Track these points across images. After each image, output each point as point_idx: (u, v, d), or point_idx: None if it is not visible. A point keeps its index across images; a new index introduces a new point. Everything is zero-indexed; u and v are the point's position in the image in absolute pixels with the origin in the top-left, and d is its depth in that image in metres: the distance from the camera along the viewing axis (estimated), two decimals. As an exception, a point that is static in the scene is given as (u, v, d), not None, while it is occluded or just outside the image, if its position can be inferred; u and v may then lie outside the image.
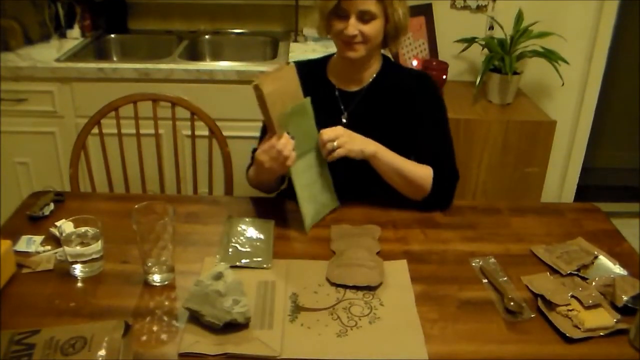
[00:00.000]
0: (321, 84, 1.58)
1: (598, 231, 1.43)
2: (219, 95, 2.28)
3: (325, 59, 1.62)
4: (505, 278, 1.23)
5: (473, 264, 1.28)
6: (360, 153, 1.40)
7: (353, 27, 1.41)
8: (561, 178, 2.84)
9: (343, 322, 1.10)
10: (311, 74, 1.59)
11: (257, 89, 1.26)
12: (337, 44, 1.50)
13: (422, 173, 1.48)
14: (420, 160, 1.55)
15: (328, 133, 1.38)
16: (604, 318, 1.11)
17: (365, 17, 1.41)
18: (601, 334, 1.08)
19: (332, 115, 1.56)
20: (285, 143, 1.31)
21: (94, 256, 1.20)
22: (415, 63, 2.61)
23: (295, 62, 1.67)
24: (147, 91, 1.90)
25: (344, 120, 1.55)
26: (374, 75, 1.55)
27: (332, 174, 1.53)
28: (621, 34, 3.10)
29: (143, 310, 1.12)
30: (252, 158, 1.60)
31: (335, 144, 1.37)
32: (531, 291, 1.19)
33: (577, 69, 2.62)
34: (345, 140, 1.38)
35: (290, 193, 1.67)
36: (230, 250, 1.30)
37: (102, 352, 0.91)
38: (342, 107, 1.56)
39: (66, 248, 1.20)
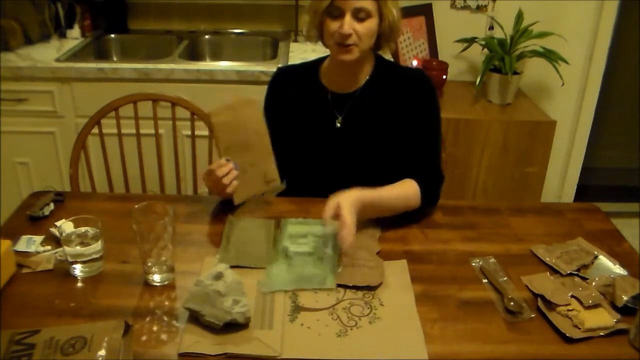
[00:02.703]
0: (313, 88, 1.56)
1: (598, 231, 1.43)
2: (219, 95, 2.28)
3: (318, 62, 1.59)
4: (505, 278, 1.23)
5: (473, 264, 1.28)
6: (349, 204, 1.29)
7: (348, 25, 1.37)
8: (561, 178, 2.84)
9: (343, 322, 1.10)
10: (302, 79, 1.58)
11: (208, 118, 1.35)
12: (330, 46, 1.46)
13: (410, 194, 1.42)
14: (408, 161, 1.51)
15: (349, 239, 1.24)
16: (604, 318, 1.11)
17: (360, 14, 1.38)
18: (601, 334, 1.08)
19: (325, 120, 1.55)
20: (224, 170, 1.34)
21: (94, 256, 1.20)
22: (415, 63, 2.61)
23: (284, 66, 1.67)
24: (147, 91, 1.90)
25: (338, 125, 1.54)
26: (368, 76, 1.53)
27: (338, 175, 1.52)
28: (621, 34, 3.10)
29: (143, 310, 1.12)
30: None
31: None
32: (531, 291, 1.19)
33: (577, 69, 2.62)
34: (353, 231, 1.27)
35: (289, 193, 1.67)
36: (230, 250, 1.30)
37: (102, 352, 0.91)
38: (335, 111, 1.54)
39: (66, 248, 1.20)
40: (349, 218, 1.23)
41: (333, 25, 1.40)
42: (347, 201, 1.26)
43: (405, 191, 1.43)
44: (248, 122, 1.36)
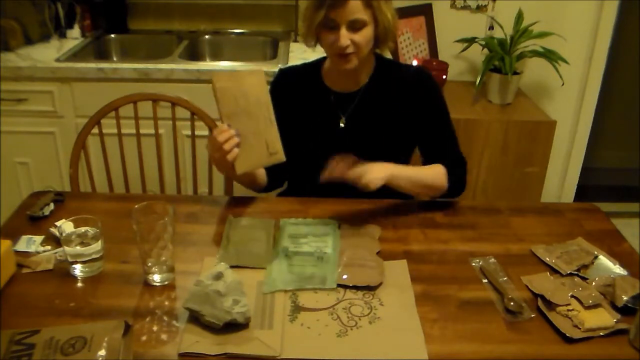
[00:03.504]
0: (316, 88, 1.56)
1: (598, 231, 1.43)
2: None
3: (319, 62, 1.59)
4: (505, 278, 1.23)
5: (473, 264, 1.28)
6: (381, 180, 1.36)
7: (345, 37, 1.37)
8: (561, 178, 2.84)
9: (343, 322, 1.10)
10: (305, 80, 1.58)
11: (213, 82, 1.31)
12: (329, 54, 1.47)
13: (437, 174, 1.49)
14: (429, 153, 1.55)
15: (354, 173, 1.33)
16: (604, 318, 1.11)
17: (356, 25, 1.38)
18: (601, 334, 1.08)
19: (329, 120, 1.55)
20: (225, 136, 1.28)
21: (94, 256, 1.20)
22: (415, 63, 2.61)
23: (286, 67, 1.67)
24: (147, 91, 1.90)
25: (342, 125, 1.54)
26: (370, 75, 1.54)
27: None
28: (621, 34, 3.10)
29: (143, 310, 1.12)
30: None
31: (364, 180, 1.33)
32: (531, 291, 1.19)
33: (577, 69, 2.62)
34: (369, 177, 1.34)
35: (292, 193, 1.67)
36: (230, 250, 1.30)
37: (102, 352, 0.91)
38: (339, 111, 1.55)
39: (66, 248, 1.20)
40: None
41: (329, 37, 1.40)
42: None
43: (432, 168, 1.50)
44: (251, 90, 1.33)
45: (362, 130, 1.53)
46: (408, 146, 1.58)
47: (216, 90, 1.30)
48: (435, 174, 1.49)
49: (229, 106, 1.32)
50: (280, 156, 1.34)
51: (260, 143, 1.33)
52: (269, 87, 1.59)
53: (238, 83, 1.32)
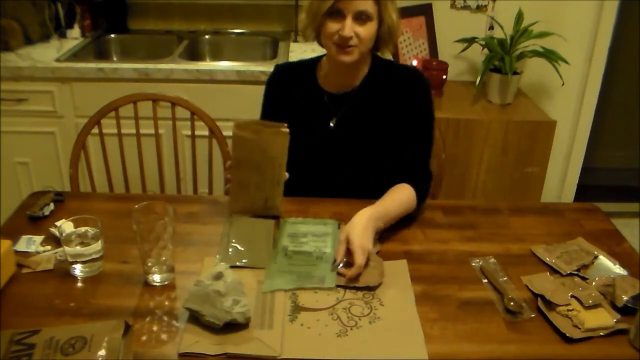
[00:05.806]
0: (310, 88, 1.55)
1: (598, 231, 1.43)
2: (219, 95, 2.28)
3: (315, 61, 1.58)
4: (505, 278, 1.23)
5: (473, 264, 1.28)
6: (370, 242, 1.27)
7: (349, 28, 1.37)
8: (561, 178, 2.84)
9: (343, 322, 1.10)
10: (300, 78, 1.57)
11: (233, 126, 1.33)
12: (329, 47, 1.45)
13: (410, 202, 1.43)
14: (398, 158, 1.51)
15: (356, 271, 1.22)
16: (604, 318, 1.11)
17: (362, 17, 1.37)
18: (601, 334, 1.08)
19: (320, 120, 1.54)
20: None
21: (94, 256, 1.20)
22: (415, 63, 2.61)
23: (282, 64, 1.66)
24: (147, 91, 1.90)
25: (332, 125, 1.54)
26: (364, 77, 1.52)
27: (332, 175, 1.52)
28: (621, 34, 3.10)
29: (143, 310, 1.12)
30: None
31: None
32: (531, 291, 1.19)
33: (577, 69, 2.62)
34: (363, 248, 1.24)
35: (287, 193, 1.67)
36: (230, 250, 1.30)
37: (102, 352, 0.91)
38: (331, 112, 1.54)
39: (66, 248, 1.20)
40: (360, 257, 1.20)
41: (333, 27, 1.39)
42: (357, 232, 1.24)
43: (406, 196, 1.43)
44: (269, 148, 1.33)
45: (351, 133, 1.53)
46: (396, 149, 1.56)
47: (233, 136, 1.33)
48: (409, 202, 1.42)
49: (241, 155, 1.35)
50: (276, 212, 1.42)
51: (260, 196, 1.40)
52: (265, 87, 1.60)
53: (258, 137, 1.33)
